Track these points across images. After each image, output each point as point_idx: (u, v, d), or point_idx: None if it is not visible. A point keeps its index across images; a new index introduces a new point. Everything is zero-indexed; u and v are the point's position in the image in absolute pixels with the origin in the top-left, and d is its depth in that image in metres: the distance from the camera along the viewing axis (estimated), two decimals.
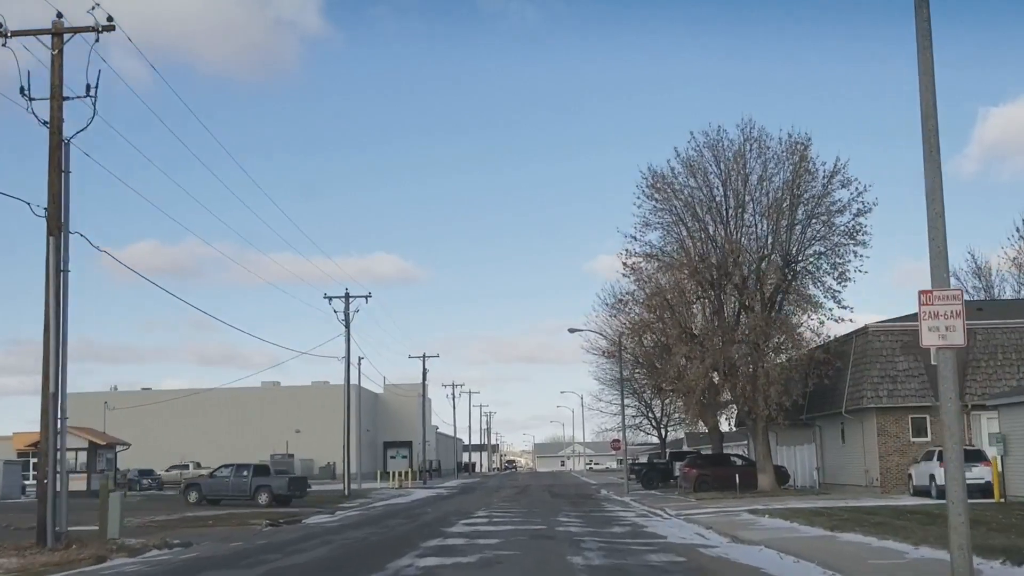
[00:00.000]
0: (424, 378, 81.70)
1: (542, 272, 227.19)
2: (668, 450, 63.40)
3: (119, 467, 66.00)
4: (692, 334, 41.92)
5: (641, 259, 42.13)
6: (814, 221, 41.17)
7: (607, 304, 54.31)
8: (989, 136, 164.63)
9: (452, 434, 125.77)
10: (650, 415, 62.97)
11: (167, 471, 74.52)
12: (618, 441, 62.11)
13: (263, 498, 39.76)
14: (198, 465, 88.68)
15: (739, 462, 45.19)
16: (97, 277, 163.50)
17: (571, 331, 51.82)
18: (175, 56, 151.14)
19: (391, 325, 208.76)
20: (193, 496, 41.03)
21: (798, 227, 41.16)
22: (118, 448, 57.42)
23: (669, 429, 63.77)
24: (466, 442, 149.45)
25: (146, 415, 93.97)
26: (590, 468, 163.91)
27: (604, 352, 56.18)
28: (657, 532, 22.99)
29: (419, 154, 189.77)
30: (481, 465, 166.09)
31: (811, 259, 41.28)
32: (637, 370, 56.26)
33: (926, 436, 38.69)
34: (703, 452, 50.56)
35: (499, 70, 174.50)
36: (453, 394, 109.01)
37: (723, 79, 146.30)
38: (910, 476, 36.67)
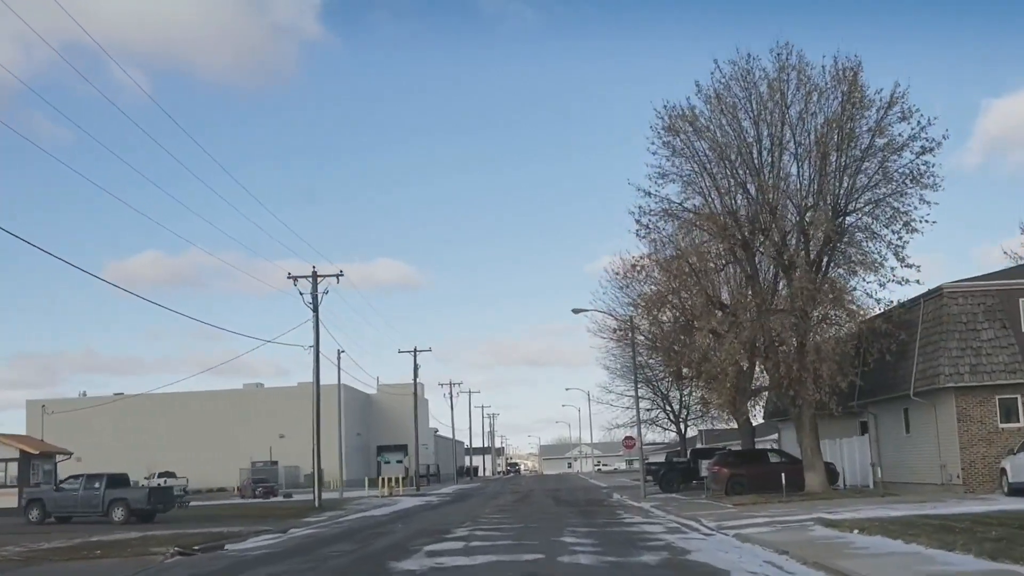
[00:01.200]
0: (415, 375, 74.26)
1: (544, 273, 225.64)
2: (688, 447, 55.90)
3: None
4: (721, 304, 34.46)
5: (657, 217, 34.59)
6: (867, 164, 33.76)
7: (618, 275, 46.64)
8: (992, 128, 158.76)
9: (451, 436, 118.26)
10: (667, 408, 55.32)
11: None
12: (631, 438, 54.67)
13: (118, 514, 33.53)
14: (171, 475, 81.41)
15: (777, 459, 37.73)
16: (104, 291, 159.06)
17: (575, 311, 44.37)
18: (174, 63, 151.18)
19: (387, 326, 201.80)
20: (35, 513, 34.75)
21: (849, 171, 33.72)
22: (59, 458, 50.06)
23: (688, 424, 56.03)
24: (471, 445, 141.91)
25: (119, 422, 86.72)
26: (598, 469, 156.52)
27: (614, 333, 48.67)
28: (710, 562, 15.50)
29: (419, 158, 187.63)
30: (484, 469, 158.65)
31: (866, 208, 33.82)
32: (652, 356, 48.80)
33: (1018, 421, 31.25)
34: (732, 448, 42.87)
35: (498, 72, 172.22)
36: (451, 392, 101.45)
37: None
38: (1003, 471, 29.23)
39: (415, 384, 74.79)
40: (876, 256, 33.32)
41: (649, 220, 33.90)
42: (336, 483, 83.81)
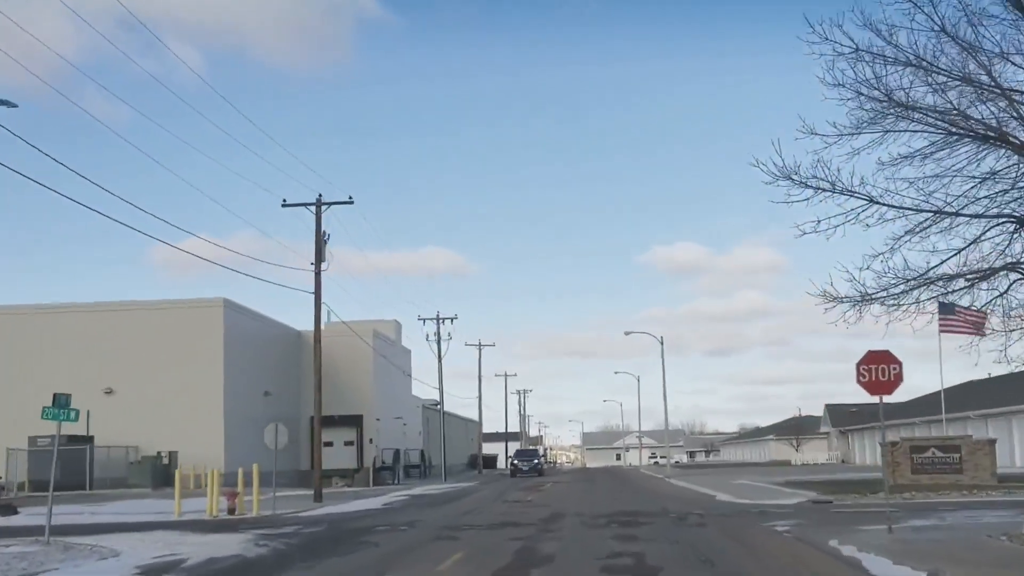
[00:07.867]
0: (319, 256, 35.26)
1: (593, 265, 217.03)
2: None
3: None
4: None
5: None
6: None
7: None
8: None
9: (456, 410, 79.60)
10: None
11: None
12: (886, 356, 15.69)
13: None
14: None
15: None
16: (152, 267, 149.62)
17: None
18: (227, 40, 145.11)
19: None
20: None
21: None
22: None
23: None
24: (481, 425, 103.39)
25: None
26: (655, 462, 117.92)
27: None
28: None
29: (471, 143, 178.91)
30: (507, 460, 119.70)
31: None
32: None
33: None
34: None
35: (556, 57, 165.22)
36: (438, 332, 62.94)
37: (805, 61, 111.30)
38: None
39: (317, 277, 35.73)
40: None
41: None
42: (203, 480, 45.87)
